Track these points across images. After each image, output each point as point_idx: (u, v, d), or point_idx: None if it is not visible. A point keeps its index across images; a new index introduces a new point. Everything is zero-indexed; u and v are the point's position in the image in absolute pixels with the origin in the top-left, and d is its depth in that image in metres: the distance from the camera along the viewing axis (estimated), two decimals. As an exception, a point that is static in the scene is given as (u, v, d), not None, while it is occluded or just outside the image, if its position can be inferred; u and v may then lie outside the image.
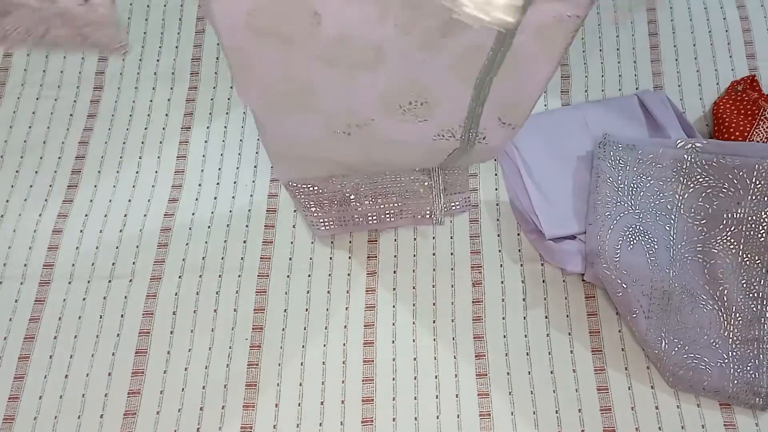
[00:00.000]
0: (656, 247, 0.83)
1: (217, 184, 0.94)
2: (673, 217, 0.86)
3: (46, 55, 1.03)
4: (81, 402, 0.80)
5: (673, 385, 0.81)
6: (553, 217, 0.87)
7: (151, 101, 0.99)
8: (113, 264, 0.88)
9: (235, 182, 0.94)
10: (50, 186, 0.93)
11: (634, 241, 0.83)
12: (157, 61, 1.03)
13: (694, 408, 0.81)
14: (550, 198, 0.88)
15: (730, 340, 0.82)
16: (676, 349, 0.80)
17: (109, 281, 0.87)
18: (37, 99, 1.00)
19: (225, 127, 0.98)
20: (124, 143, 0.96)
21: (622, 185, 0.87)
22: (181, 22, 1.06)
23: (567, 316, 0.85)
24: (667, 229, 0.85)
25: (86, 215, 0.91)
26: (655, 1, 1.07)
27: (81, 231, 0.90)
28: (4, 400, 0.80)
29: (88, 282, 0.87)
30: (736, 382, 0.79)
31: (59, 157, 0.95)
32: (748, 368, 0.80)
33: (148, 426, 0.79)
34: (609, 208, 0.85)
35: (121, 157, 0.95)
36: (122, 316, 0.85)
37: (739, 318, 0.82)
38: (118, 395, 0.80)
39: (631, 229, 0.84)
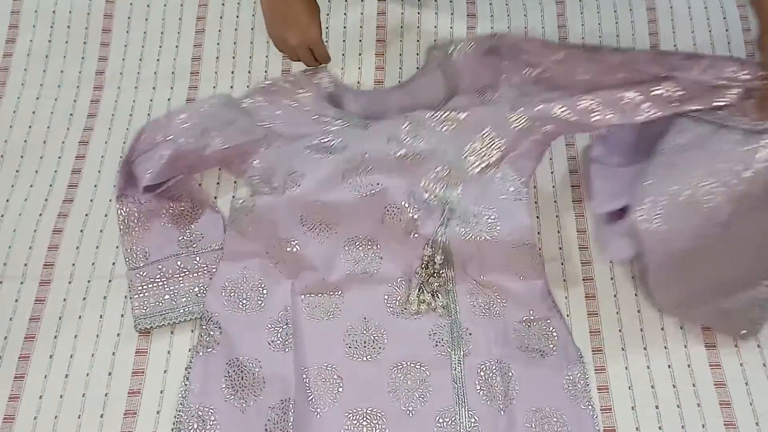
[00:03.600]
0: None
1: (217, 183, 0.94)
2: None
3: (46, 55, 1.03)
4: (81, 402, 0.80)
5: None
6: (606, 189, 0.84)
7: (151, 101, 0.99)
8: (113, 264, 0.88)
9: (235, 182, 0.94)
10: (50, 186, 0.93)
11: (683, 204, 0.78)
12: (157, 61, 1.03)
13: (694, 407, 0.81)
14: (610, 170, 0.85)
15: None
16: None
17: (109, 281, 0.87)
18: (37, 99, 1.00)
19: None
20: (124, 143, 0.96)
21: (677, 160, 0.81)
22: (181, 22, 1.06)
23: (567, 316, 0.85)
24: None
25: (86, 215, 0.91)
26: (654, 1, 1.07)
27: (81, 231, 0.90)
28: (4, 400, 0.80)
29: (88, 282, 0.87)
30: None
31: (59, 157, 0.95)
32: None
33: (148, 425, 0.79)
34: (656, 186, 0.80)
35: (121, 157, 0.95)
36: (122, 315, 0.85)
37: None
38: (117, 395, 0.80)
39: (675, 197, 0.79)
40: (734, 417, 0.80)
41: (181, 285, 0.84)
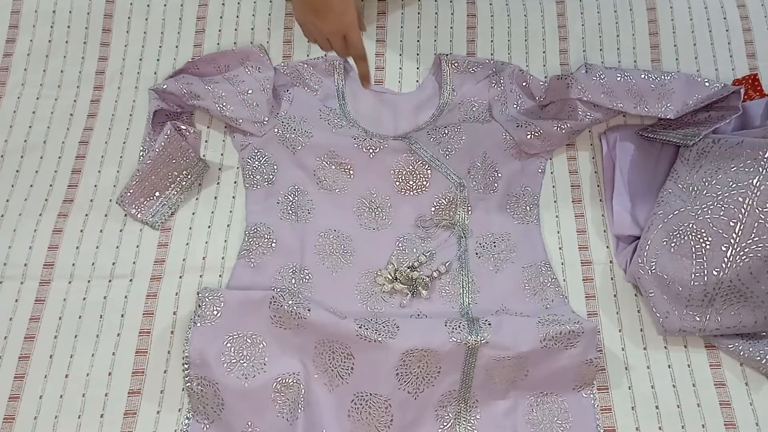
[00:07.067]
0: (708, 246, 0.79)
1: (217, 183, 0.94)
2: (742, 210, 0.78)
3: (46, 55, 1.03)
4: (81, 402, 0.80)
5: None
6: (625, 216, 0.89)
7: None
8: (113, 264, 0.88)
9: (235, 182, 0.94)
10: (50, 186, 0.93)
11: (681, 241, 0.81)
12: (157, 60, 1.03)
13: (694, 408, 0.81)
14: (633, 197, 0.90)
15: None
16: (713, 337, 0.83)
17: (109, 281, 0.87)
18: (37, 99, 1.00)
19: (225, 126, 0.97)
20: (124, 143, 0.96)
21: (689, 179, 0.84)
22: (181, 22, 1.06)
23: (567, 316, 0.85)
24: (732, 224, 0.79)
25: (86, 215, 0.91)
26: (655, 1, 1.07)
27: (81, 231, 0.90)
28: (4, 400, 0.80)
29: (88, 282, 0.87)
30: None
31: (59, 157, 0.95)
32: None
33: (148, 425, 0.79)
34: (664, 206, 0.84)
35: (121, 157, 0.95)
36: (122, 315, 0.85)
37: None
38: (118, 395, 0.80)
39: (681, 227, 0.82)
40: (734, 417, 0.80)
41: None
